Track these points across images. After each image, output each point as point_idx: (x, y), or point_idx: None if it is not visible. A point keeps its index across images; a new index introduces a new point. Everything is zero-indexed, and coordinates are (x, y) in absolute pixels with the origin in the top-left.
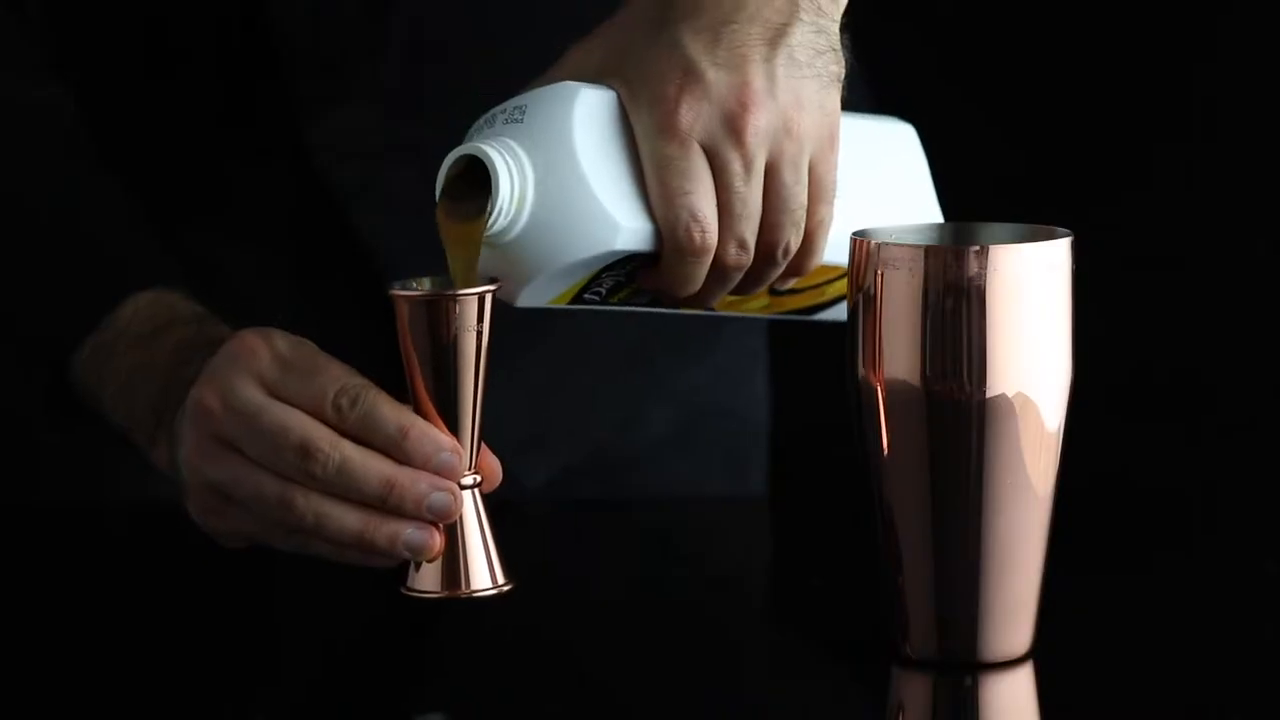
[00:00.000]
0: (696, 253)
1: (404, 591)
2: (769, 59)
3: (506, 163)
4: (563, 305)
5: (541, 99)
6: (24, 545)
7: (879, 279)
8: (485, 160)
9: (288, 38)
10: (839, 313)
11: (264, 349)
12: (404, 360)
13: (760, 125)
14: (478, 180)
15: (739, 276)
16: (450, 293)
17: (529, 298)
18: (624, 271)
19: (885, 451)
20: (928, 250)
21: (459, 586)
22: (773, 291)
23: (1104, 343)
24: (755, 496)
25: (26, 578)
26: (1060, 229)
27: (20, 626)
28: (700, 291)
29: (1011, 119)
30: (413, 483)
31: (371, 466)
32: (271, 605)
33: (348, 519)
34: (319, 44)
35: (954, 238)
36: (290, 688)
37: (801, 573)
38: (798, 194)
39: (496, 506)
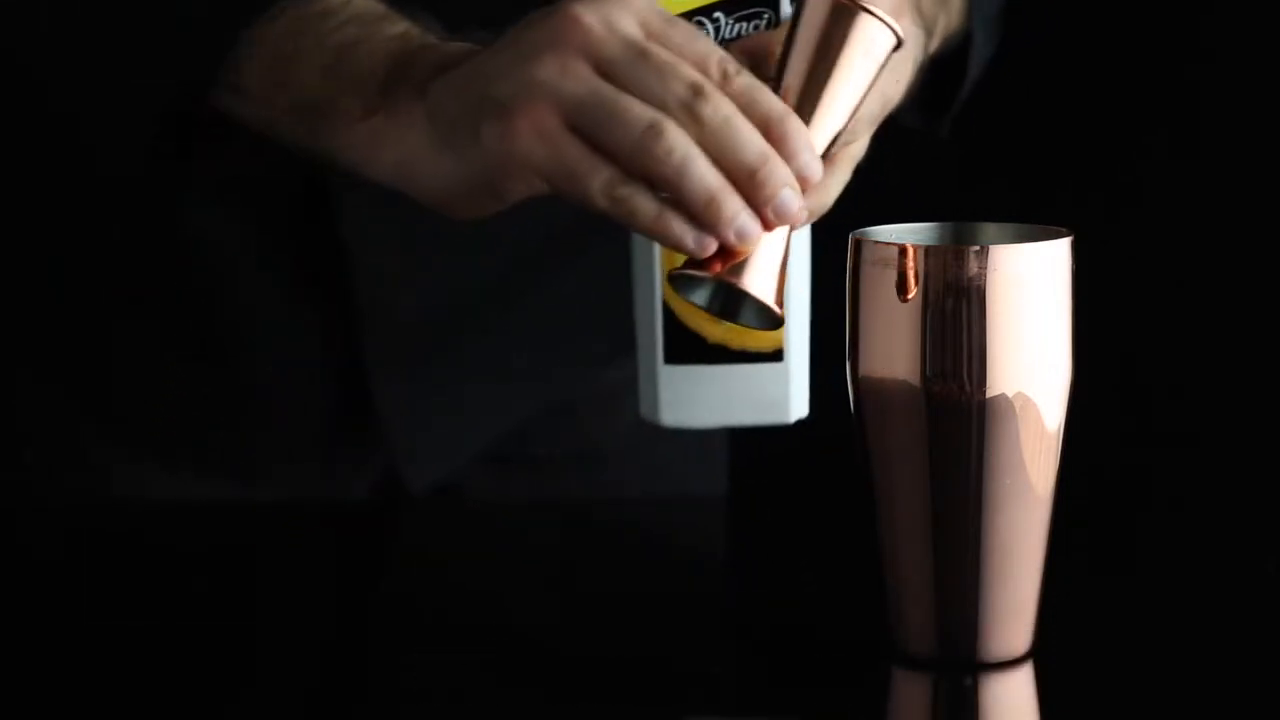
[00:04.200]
0: None
1: (680, 270)
2: None
3: None
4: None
5: None
6: (24, 545)
7: (878, 279)
8: None
9: None
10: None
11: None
12: (786, 59)
13: None
14: None
15: None
16: (878, 12)
17: None
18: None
19: (885, 452)
20: (928, 250)
21: (740, 276)
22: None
23: (1104, 343)
24: (756, 495)
25: (26, 578)
26: (1060, 229)
27: (20, 627)
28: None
29: (1012, 118)
30: (781, 167)
31: (753, 135)
32: (272, 607)
33: (710, 175)
34: None
35: (954, 238)
36: (288, 688)
37: (801, 573)
38: None
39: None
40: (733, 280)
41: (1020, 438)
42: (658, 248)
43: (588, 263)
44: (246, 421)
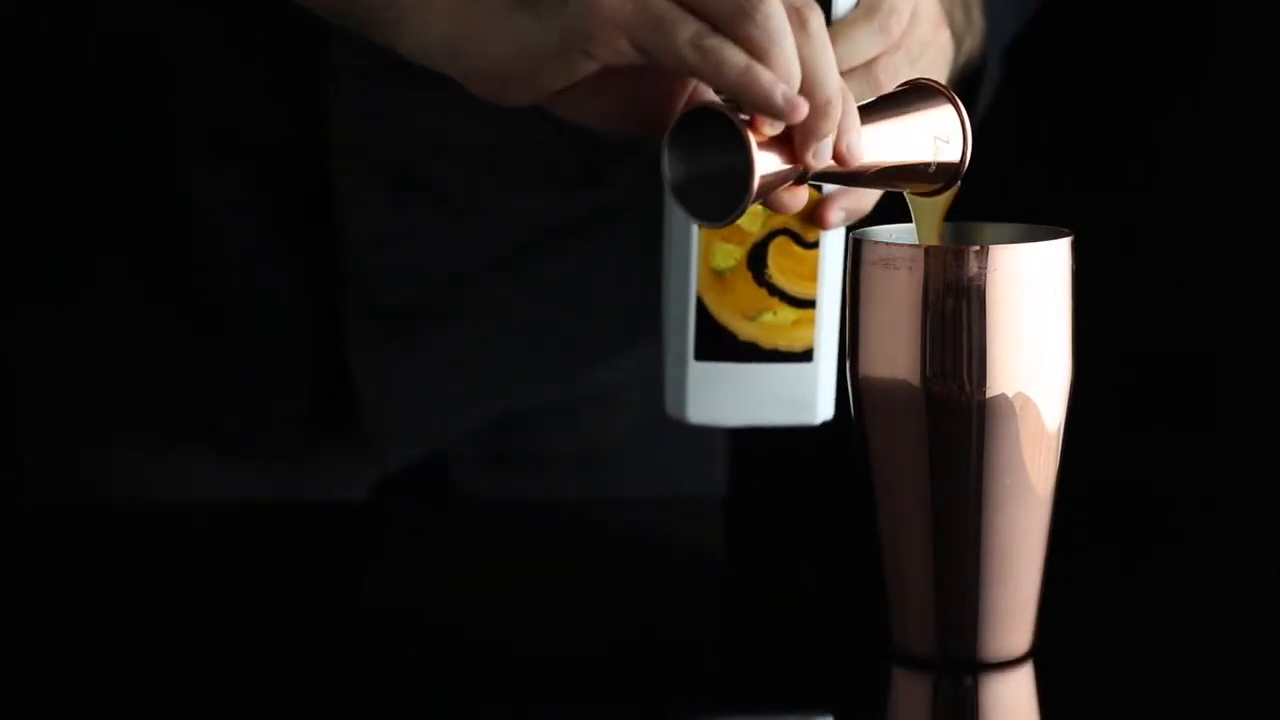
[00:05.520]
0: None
1: (714, 103)
2: None
3: None
4: None
5: None
6: (23, 545)
7: (878, 279)
8: None
9: None
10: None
11: None
12: (873, 105)
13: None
14: None
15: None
16: (956, 100)
17: None
18: None
19: (885, 452)
20: (928, 250)
21: (759, 147)
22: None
23: (1104, 343)
24: (756, 495)
25: (24, 578)
26: (1060, 229)
27: (18, 628)
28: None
29: (1012, 118)
30: (839, 115)
31: (837, 76)
32: (271, 608)
33: (796, 59)
34: None
35: (954, 238)
36: (287, 688)
37: (801, 573)
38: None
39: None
40: (750, 147)
41: (1020, 438)
42: (694, 243)
43: (583, 258)
44: (231, 389)
